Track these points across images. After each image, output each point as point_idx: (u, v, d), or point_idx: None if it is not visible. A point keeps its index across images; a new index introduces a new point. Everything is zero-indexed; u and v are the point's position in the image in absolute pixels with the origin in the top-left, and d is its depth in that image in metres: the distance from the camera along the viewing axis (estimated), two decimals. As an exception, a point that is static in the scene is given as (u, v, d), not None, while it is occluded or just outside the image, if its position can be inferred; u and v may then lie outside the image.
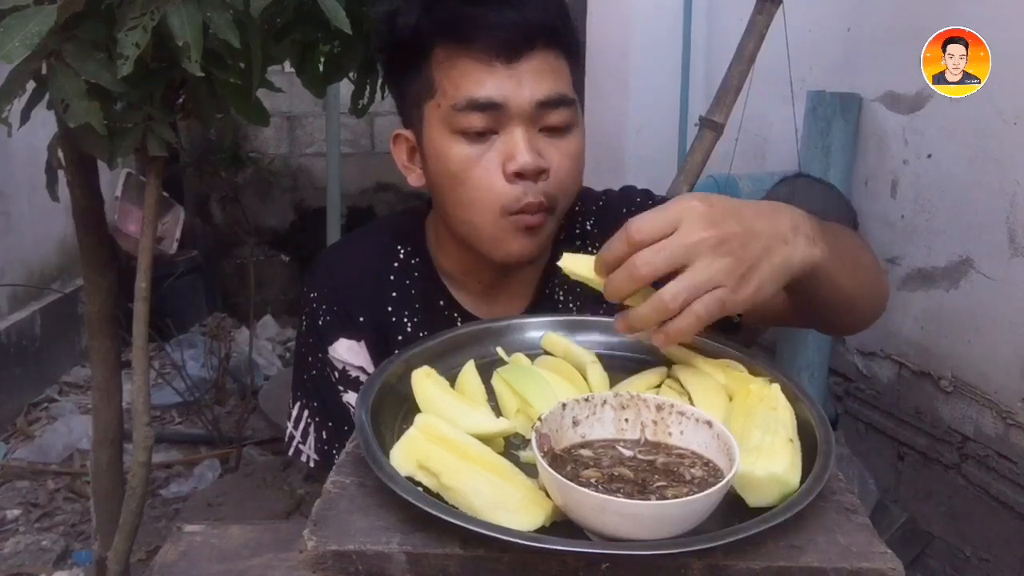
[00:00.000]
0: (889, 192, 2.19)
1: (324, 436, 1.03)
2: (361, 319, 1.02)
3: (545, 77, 0.93)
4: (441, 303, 1.05)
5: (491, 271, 1.04)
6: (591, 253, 1.08)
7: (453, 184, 0.95)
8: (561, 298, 1.06)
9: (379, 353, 1.02)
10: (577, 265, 0.79)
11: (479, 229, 0.95)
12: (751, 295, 0.71)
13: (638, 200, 1.09)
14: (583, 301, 1.04)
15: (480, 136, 0.93)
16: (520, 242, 0.94)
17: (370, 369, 1.02)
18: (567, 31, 0.97)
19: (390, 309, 1.04)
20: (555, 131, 0.95)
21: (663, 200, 1.10)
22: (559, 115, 0.94)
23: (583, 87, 1.04)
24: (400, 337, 1.03)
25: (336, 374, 1.02)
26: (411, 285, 1.05)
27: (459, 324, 1.00)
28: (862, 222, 2.24)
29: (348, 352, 1.02)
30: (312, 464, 1.04)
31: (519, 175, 0.92)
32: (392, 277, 1.05)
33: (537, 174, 0.92)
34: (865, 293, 0.93)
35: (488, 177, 0.93)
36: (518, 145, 0.91)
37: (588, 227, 1.09)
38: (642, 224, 0.70)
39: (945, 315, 2.04)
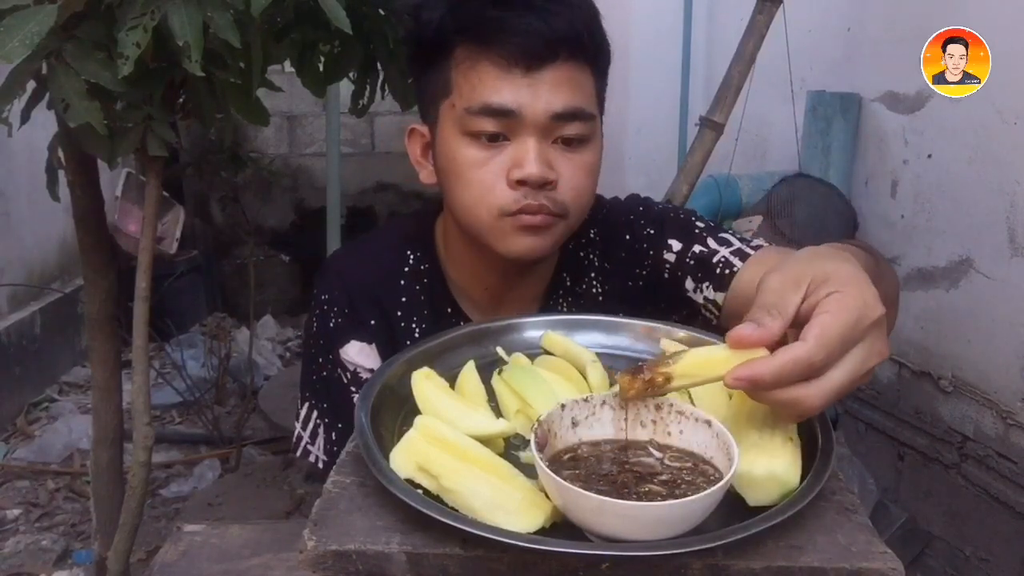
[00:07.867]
0: (889, 192, 2.19)
1: (334, 437, 1.02)
2: (372, 322, 1.02)
3: (563, 89, 0.91)
4: (449, 310, 1.05)
5: (497, 276, 1.03)
6: (591, 262, 1.08)
7: (457, 184, 0.95)
8: (565, 311, 1.06)
9: (389, 355, 1.02)
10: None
11: (481, 229, 0.95)
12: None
13: (640, 210, 1.08)
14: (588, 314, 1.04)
15: (491, 140, 0.92)
16: (523, 241, 0.93)
17: None
18: (594, 42, 0.95)
19: (400, 313, 1.03)
20: (569, 143, 0.93)
21: (663, 207, 1.09)
22: (574, 128, 0.92)
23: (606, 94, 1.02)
24: (408, 342, 1.02)
25: (347, 375, 1.01)
26: (421, 291, 1.04)
27: None
28: (862, 222, 2.24)
29: (359, 354, 1.01)
30: (321, 465, 1.03)
31: (522, 183, 0.91)
32: (402, 282, 1.04)
33: (541, 184, 0.91)
34: (894, 322, 0.86)
35: (491, 180, 0.92)
36: (527, 155, 0.90)
37: (592, 235, 1.08)
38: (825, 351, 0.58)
39: (945, 315, 2.04)
